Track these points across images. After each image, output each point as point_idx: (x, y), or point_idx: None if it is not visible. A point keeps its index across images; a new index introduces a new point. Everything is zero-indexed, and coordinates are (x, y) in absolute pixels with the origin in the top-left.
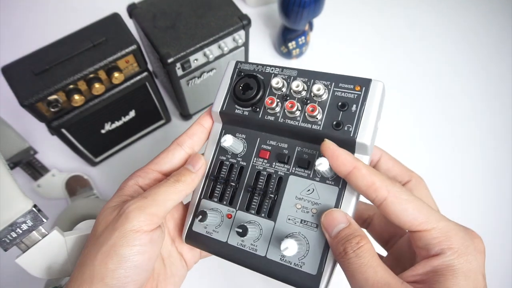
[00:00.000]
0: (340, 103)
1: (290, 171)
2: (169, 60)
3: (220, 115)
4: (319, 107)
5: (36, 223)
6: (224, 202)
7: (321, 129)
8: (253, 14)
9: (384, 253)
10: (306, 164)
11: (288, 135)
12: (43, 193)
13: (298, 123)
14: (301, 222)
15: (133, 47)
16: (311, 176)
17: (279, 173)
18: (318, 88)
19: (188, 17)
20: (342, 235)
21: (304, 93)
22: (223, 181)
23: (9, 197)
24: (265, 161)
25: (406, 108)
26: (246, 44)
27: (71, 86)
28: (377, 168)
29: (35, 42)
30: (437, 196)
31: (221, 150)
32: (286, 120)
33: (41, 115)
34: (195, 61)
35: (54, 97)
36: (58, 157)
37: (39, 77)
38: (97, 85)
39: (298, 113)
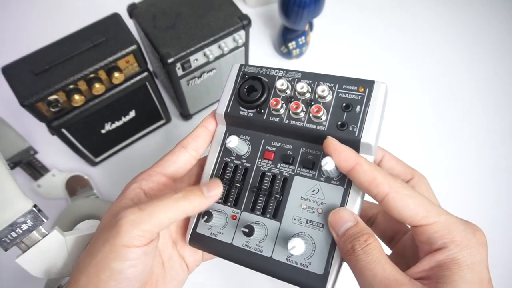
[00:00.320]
0: (344, 104)
1: (295, 171)
2: (169, 60)
3: (225, 117)
4: (323, 108)
5: (36, 223)
6: (229, 203)
7: (326, 129)
8: (253, 14)
9: (388, 251)
10: (311, 165)
11: (293, 136)
12: (43, 193)
13: (303, 124)
14: (307, 222)
15: (133, 47)
16: (316, 176)
17: (284, 174)
18: (323, 89)
19: (188, 17)
20: (350, 233)
21: (308, 94)
22: (228, 182)
23: (9, 197)
24: (270, 162)
25: (406, 107)
26: (246, 44)
27: (71, 86)
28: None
29: (35, 42)
30: (439, 194)
31: (225, 151)
32: (291, 121)
33: (41, 115)
34: (195, 61)
35: (54, 97)
36: (58, 157)
37: (39, 77)
38: (97, 85)
39: (302, 114)
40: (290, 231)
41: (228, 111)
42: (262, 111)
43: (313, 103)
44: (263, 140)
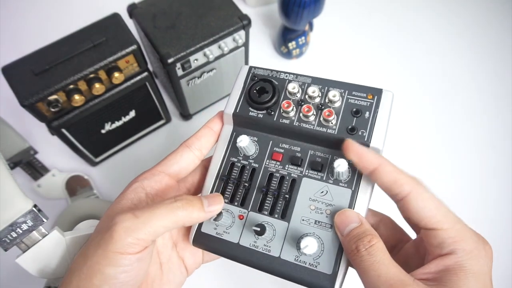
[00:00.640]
0: (354, 110)
1: (303, 173)
2: (169, 60)
3: (233, 117)
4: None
5: (36, 223)
6: (236, 203)
7: (336, 133)
8: (253, 14)
9: None
10: (320, 167)
11: (301, 139)
12: (43, 193)
13: (314, 127)
14: (315, 223)
15: (133, 47)
16: (324, 178)
17: (292, 175)
18: (334, 94)
19: (188, 17)
20: (354, 233)
21: (318, 99)
22: (235, 182)
23: (9, 197)
24: (278, 163)
25: (407, 106)
26: (246, 44)
27: (71, 86)
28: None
29: (35, 42)
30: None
31: (232, 151)
32: (302, 124)
33: (41, 115)
34: (195, 61)
35: (54, 97)
36: (58, 157)
37: (39, 77)
38: (97, 85)
39: (313, 117)
40: (298, 231)
41: (237, 111)
42: (272, 112)
43: (323, 107)
44: (271, 142)
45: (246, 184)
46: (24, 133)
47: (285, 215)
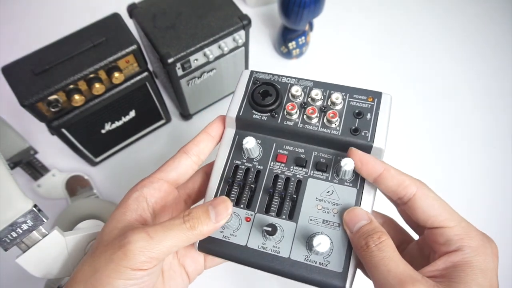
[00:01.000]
0: (356, 111)
1: (309, 174)
2: (169, 60)
3: (236, 120)
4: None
5: (36, 223)
6: (242, 206)
7: (339, 134)
8: (253, 14)
9: None
10: (324, 167)
11: (305, 141)
12: (43, 193)
13: (318, 129)
14: (323, 222)
15: (133, 47)
16: (329, 178)
17: (297, 176)
18: (337, 97)
19: (188, 17)
20: (364, 230)
21: (321, 101)
22: (240, 184)
23: (9, 197)
24: (283, 165)
25: (405, 107)
26: (246, 44)
27: (71, 86)
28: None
29: (35, 42)
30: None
31: (235, 154)
32: (306, 125)
33: (41, 115)
34: (195, 61)
35: (54, 97)
36: (58, 157)
37: (39, 77)
38: (97, 85)
39: (316, 119)
40: (307, 231)
41: (241, 114)
42: (276, 115)
43: (326, 109)
44: (274, 144)
45: (253, 186)
46: (24, 133)
47: (292, 216)
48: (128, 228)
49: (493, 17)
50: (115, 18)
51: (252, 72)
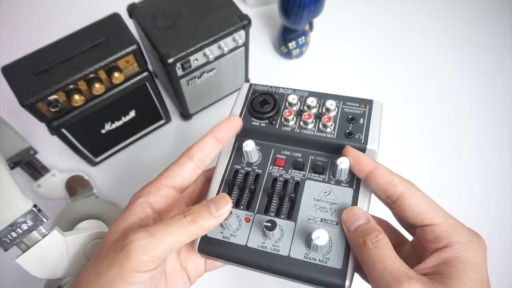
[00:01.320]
0: (349, 117)
1: (306, 176)
2: (169, 60)
3: None
4: (332, 119)
5: (36, 223)
6: (241, 207)
7: (335, 137)
8: (253, 14)
9: None
10: (321, 169)
11: (302, 145)
12: (43, 193)
13: (314, 133)
14: (321, 221)
15: (133, 47)
16: (326, 180)
17: (295, 178)
18: (331, 103)
19: (188, 17)
20: (361, 229)
21: (316, 109)
22: (240, 186)
23: (9, 197)
24: (281, 168)
25: (403, 110)
26: (246, 44)
27: (71, 86)
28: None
29: (35, 42)
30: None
31: (235, 160)
32: (302, 130)
33: (41, 115)
34: (195, 61)
35: (54, 97)
36: (58, 157)
37: (39, 77)
38: (97, 85)
39: (312, 125)
40: (306, 230)
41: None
42: (274, 122)
43: (321, 116)
44: (273, 149)
45: (252, 187)
46: (24, 133)
47: (291, 216)
48: (129, 230)
49: (489, 19)
50: (115, 18)
51: (251, 84)
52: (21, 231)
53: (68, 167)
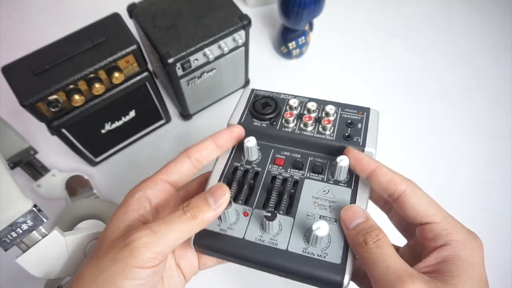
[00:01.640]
0: (348, 121)
1: (305, 175)
2: (169, 60)
3: None
4: (332, 122)
5: (36, 223)
6: (240, 202)
7: (334, 139)
8: (253, 14)
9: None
10: (320, 169)
11: (302, 146)
12: (43, 193)
13: (313, 135)
14: (320, 218)
15: (133, 47)
16: (325, 179)
17: (294, 177)
18: (330, 107)
19: (188, 17)
20: (361, 227)
21: (316, 113)
22: (239, 182)
23: (9, 197)
24: (280, 167)
25: (403, 109)
26: (246, 44)
27: (71, 86)
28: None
29: (35, 42)
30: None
31: (235, 157)
32: (302, 132)
33: (41, 115)
34: (195, 61)
35: (54, 97)
36: (58, 157)
37: (39, 77)
38: (97, 85)
39: (312, 127)
40: (304, 225)
41: (242, 122)
42: (275, 123)
43: (320, 119)
44: (272, 150)
45: (252, 182)
46: (24, 133)
47: (290, 212)
48: (131, 227)
49: (490, 21)
50: (115, 18)
51: (253, 89)
52: (21, 231)
53: (68, 167)
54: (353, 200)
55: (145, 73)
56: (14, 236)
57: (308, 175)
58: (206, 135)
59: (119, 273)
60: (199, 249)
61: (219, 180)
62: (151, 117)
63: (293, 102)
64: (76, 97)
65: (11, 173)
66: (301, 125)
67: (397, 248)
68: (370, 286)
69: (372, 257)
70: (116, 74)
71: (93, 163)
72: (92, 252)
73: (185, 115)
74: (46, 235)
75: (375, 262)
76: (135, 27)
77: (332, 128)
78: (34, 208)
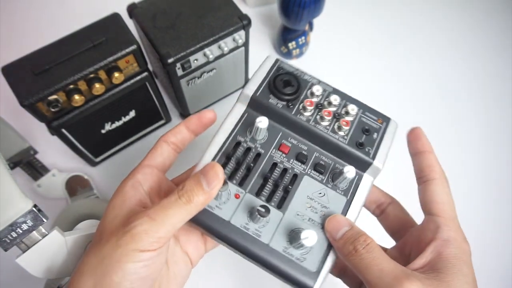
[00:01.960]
0: (365, 128)
1: (306, 171)
2: (169, 60)
3: (251, 99)
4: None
5: (36, 223)
6: (234, 182)
7: (346, 143)
8: (253, 14)
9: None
10: (322, 169)
11: (311, 139)
12: (43, 193)
13: (327, 132)
14: (308, 220)
15: (133, 47)
16: (324, 181)
17: (295, 170)
18: (353, 108)
19: (188, 17)
20: (348, 235)
21: (336, 108)
22: (238, 160)
23: (9, 197)
24: (284, 155)
25: (403, 109)
26: (246, 44)
27: (71, 86)
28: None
29: (35, 42)
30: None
31: (240, 131)
32: (317, 125)
33: (41, 115)
34: (195, 61)
35: (54, 97)
36: (58, 157)
37: (39, 77)
38: (97, 85)
39: (328, 123)
40: (292, 224)
41: (257, 94)
42: (291, 106)
43: (339, 117)
44: (281, 133)
45: (252, 165)
46: (24, 133)
47: (281, 206)
48: (131, 214)
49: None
50: (115, 18)
51: (277, 60)
52: (21, 231)
53: (68, 167)
54: (345, 210)
55: (145, 73)
56: (14, 236)
57: (309, 172)
58: (206, 135)
59: (122, 257)
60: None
61: (218, 152)
62: (151, 117)
63: (316, 90)
64: (76, 97)
65: (11, 173)
66: (318, 117)
67: (384, 250)
68: (356, 283)
69: (365, 263)
70: (116, 74)
71: (93, 163)
72: (93, 242)
73: (185, 115)
74: (46, 235)
75: (368, 267)
76: (135, 27)
77: (348, 130)
78: (34, 208)
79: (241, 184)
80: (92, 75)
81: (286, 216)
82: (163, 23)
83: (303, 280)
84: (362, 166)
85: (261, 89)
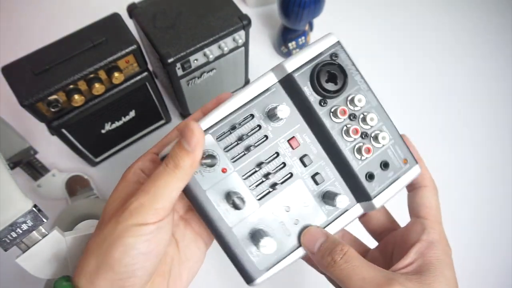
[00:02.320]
0: (386, 161)
1: (302, 176)
2: (169, 60)
3: (287, 75)
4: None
5: (36, 223)
6: (228, 154)
7: (357, 169)
8: (253, 14)
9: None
10: (320, 181)
11: (325, 147)
12: (43, 193)
13: (345, 148)
14: (280, 223)
15: (133, 47)
16: (315, 193)
17: (292, 169)
18: (384, 137)
19: (188, 17)
20: (324, 247)
21: (367, 128)
22: (241, 137)
23: (9, 197)
24: (290, 149)
25: (401, 112)
26: (246, 44)
27: (71, 86)
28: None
29: (35, 42)
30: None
31: (259, 105)
32: (338, 137)
33: (41, 115)
34: (195, 61)
35: (54, 97)
36: (58, 157)
37: (39, 77)
38: (97, 85)
39: (350, 140)
40: (262, 220)
41: (296, 75)
42: (324, 104)
43: (365, 138)
44: (298, 125)
45: (253, 146)
46: (24, 133)
47: (261, 199)
48: (129, 195)
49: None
50: (115, 18)
51: (338, 42)
52: (21, 231)
53: (68, 167)
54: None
55: (145, 73)
56: (14, 236)
57: (305, 177)
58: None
59: (123, 233)
60: None
61: (223, 119)
62: (151, 117)
63: (358, 100)
64: (76, 97)
65: (11, 173)
66: (344, 129)
67: (367, 250)
68: None
69: (345, 273)
70: (116, 74)
71: (93, 163)
72: (97, 225)
73: (185, 115)
74: (46, 235)
75: (349, 277)
76: (135, 27)
77: (367, 159)
78: (34, 208)
79: (233, 160)
80: (92, 75)
81: (260, 210)
82: (163, 23)
83: (246, 270)
84: (360, 196)
85: (303, 70)
